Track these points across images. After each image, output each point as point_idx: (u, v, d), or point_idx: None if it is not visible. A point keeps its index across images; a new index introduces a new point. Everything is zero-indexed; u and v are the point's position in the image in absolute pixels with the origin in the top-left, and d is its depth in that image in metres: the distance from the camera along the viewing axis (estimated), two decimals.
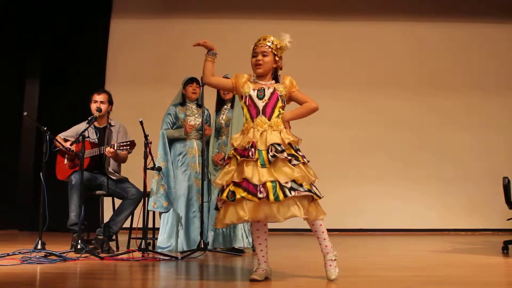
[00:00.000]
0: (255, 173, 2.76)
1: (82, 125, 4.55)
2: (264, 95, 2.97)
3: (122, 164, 4.74)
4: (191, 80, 4.76)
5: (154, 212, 4.85)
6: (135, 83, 7.43)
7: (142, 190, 4.21)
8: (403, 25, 7.68)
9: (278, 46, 3.06)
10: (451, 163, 7.39)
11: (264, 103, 2.96)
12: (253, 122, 2.95)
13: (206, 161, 4.50)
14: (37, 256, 3.76)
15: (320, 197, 2.84)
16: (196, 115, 4.73)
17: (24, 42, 7.40)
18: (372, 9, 7.60)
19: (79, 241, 3.94)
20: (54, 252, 3.85)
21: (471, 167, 7.39)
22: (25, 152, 7.33)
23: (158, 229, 4.69)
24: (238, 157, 2.85)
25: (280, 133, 2.90)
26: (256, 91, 2.99)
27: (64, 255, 3.81)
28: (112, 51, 7.59)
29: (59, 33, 7.43)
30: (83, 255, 3.85)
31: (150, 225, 4.80)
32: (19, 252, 3.93)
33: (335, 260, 2.91)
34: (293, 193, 2.73)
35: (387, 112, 7.48)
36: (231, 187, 2.81)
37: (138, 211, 4.31)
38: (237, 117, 4.64)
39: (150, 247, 4.52)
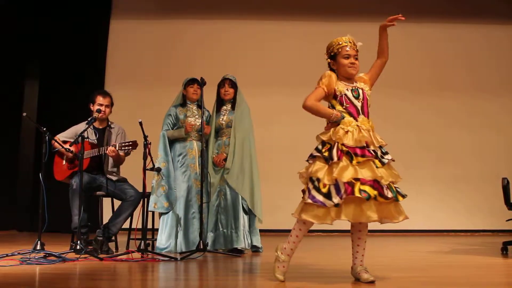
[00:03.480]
0: (382, 174, 2.76)
1: (81, 126, 4.54)
2: (359, 95, 2.97)
3: (121, 165, 4.75)
4: (192, 81, 4.76)
5: (153, 213, 4.85)
6: (134, 83, 7.42)
7: (141, 191, 4.21)
8: (405, 25, 7.59)
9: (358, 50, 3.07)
10: (450, 163, 7.39)
11: (360, 103, 2.96)
12: (356, 121, 2.90)
13: (205, 162, 4.50)
14: (36, 257, 3.76)
15: None
16: (197, 116, 4.73)
17: (23, 42, 7.39)
18: (375, 10, 7.59)
19: (78, 242, 3.94)
20: (53, 253, 3.85)
21: (471, 168, 7.39)
22: (25, 152, 7.32)
23: (157, 230, 4.69)
24: (353, 156, 2.76)
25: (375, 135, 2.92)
26: (350, 90, 2.97)
27: (63, 255, 3.81)
28: (112, 51, 7.58)
29: (58, 33, 7.43)
30: (82, 256, 3.85)
31: (150, 226, 4.80)
32: (18, 253, 3.93)
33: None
34: (403, 194, 2.83)
35: (387, 112, 7.46)
36: (360, 185, 2.71)
37: (138, 212, 4.31)
38: (239, 119, 4.65)
39: (150, 248, 4.52)
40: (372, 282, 2.80)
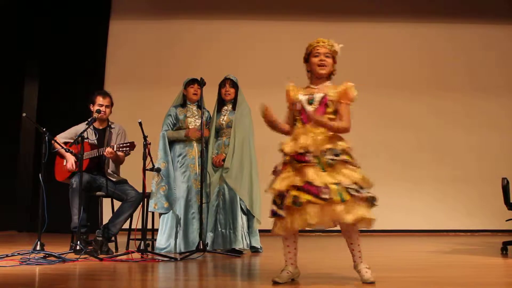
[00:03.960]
0: (318, 176, 2.73)
1: (81, 126, 4.54)
2: (313, 100, 2.94)
3: (121, 165, 4.74)
4: (192, 82, 4.76)
5: (153, 213, 4.85)
6: (134, 83, 7.43)
7: (141, 191, 4.21)
8: (404, 25, 7.67)
9: (335, 51, 3.03)
10: (450, 164, 7.39)
11: (313, 109, 2.91)
12: (304, 127, 2.89)
13: (205, 163, 4.50)
14: (36, 257, 3.76)
15: (376, 204, 2.83)
16: (197, 117, 4.73)
17: (23, 42, 7.39)
18: (373, 10, 7.60)
19: (78, 242, 3.94)
20: (53, 253, 3.85)
21: (470, 168, 7.39)
22: (24, 153, 7.32)
23: (157, 230, 4.69)
24: (295, 162, 2.80)
25: (332, 138, 2.86)
26: (306, 96, 2.96)
27: (63, 256, 3.80)
28: (111, 51, 7.59)
29: (58, 33, 7.43)
30: (82, 256, 3.85)
31: (149, 226, 4.80)
32: (18, 253, 3.92)
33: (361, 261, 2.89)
34: (357, 194, 2.73)
35: (387, 113, 7.48)
36: (294, 192, 2.74)
37: (137, 212, 4.31)
38: (239, 119, 4.64)
39: (149, 248, 4.52)
40: (372, 283, 2.79)
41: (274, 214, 2.82)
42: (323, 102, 2.92)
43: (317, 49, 2.98)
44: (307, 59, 3.03)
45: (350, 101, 2.95)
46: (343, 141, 2.89)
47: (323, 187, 2.70)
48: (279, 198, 2.82)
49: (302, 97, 2.95)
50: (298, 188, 2.74)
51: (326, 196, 2.68)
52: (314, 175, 2.73)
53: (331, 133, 2.87)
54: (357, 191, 2.74)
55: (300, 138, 2.85)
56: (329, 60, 2.99)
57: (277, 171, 2.92)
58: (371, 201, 2.80)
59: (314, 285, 2.82)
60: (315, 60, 2.97)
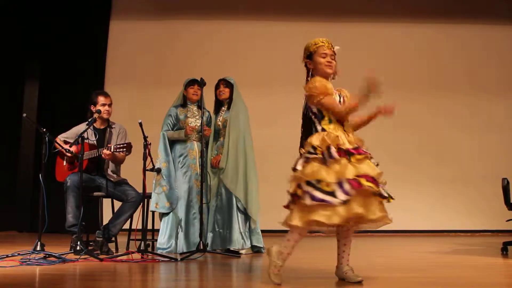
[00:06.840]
0: (372, 170, 2.82)
1: (82, 127, 4.54)
2: (340, 100, 3.01)
3: (121, 166, 4.74)
4: (192, 82, 4.76)
5: (153, 214, 4.85)
6: (134, 83, 7.42)
7: (141, 192, 4.21)
8: (404, 25, 7.67)
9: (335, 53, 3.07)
10: (450, 164, 7.38)
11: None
12: (343, 125, 3.00)
13: (205, 163, 4.51)
14: (36, 258, 3.76)
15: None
16: (197, 117, 4.74)
17: (23, 42, 7.39)
18: (373, 10, 7.60)
19: (78, 243, 3.94)
20: (53, 254, 3.85)
21: (471, 168, 7.38)
22: (25, 153, 7.32)
23: (157, 230, 4.69)
24: (351, 154, 2.81)
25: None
26: (337, 94, 3.03)
27: (63, 256, 3.81)
28: (112, 51, 7.58)
29: (58, 33, 7.42)
30: (82, 257, 3.85)
31: (150, 226, 4.80)
32: (18, 254, 3.93)
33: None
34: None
35: None
36: (365, 182, 2.71)
37: (138, 213, 4.31)
38: (233, 118, 4.64)
39: (150, 249, 4.52)
40: (360, 282, 2.79)
41: (326, 201, 2.64)
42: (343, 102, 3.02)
43: (324, 50, 3.01)
44: (309, 57, 3.04)
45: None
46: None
47: (381, 185, 2.79)
48: (332, 185, 2.67)
49: (335, 95, 3.00)
50: (367, 179, 2.72)
51: (385, 194, 2.81)
52: (375, 170, 2.81)
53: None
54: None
55: (345, 135, 2.92)
56: (334, 62, 3.04)
57: (313, 159, 2.80)
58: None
59: (314, 286, 2.82)
60: (322, 60, 2.99)
